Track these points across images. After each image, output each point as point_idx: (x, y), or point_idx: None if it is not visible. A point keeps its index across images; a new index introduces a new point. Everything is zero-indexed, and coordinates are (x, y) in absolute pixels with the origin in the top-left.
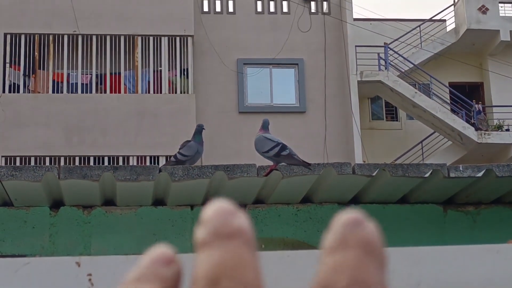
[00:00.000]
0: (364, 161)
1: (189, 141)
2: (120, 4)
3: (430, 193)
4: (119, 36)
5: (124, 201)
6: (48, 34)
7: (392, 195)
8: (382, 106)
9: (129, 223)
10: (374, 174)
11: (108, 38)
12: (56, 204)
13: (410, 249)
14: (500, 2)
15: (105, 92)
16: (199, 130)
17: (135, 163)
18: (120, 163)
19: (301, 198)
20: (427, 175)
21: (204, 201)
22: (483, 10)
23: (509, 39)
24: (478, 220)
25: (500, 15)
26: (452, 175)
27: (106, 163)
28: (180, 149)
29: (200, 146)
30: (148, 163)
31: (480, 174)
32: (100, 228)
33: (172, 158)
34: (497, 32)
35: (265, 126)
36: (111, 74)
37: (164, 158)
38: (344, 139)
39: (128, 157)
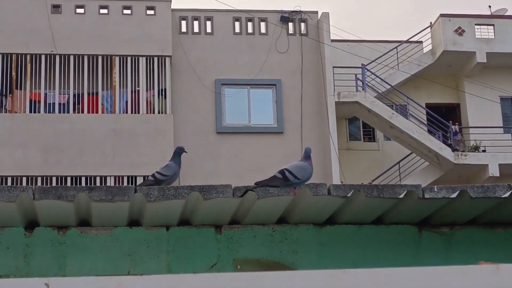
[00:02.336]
0: (341, 182)
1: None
2: (98, 24)
3: (405, 214)
4: (97, 56)
5: (99, 222)
6: (26, 54)
7: (367, 216)
8: (359, 127)
9: (104, 244)
10: (349, 195)
11: (85, 58)
12: (31, 225)
13: (385, 270)
14: (476, 24)
15: (82, 112)
16: (179, 152)
17: (112, 183)
18: (98, 183)
19: (276, 219)
20: (402, 196)
21: (180, 222)
22: (460, 32)
23: (485, 61)
24: (452, 241)
25: (476, 37)
26: (427, 196)
27: (83, 183)
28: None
29: (178, 168)
30: (125, 183)
31: (454, 195)
32: (75, 249)
33: (150, 177)
34: (473, 53)
35: (306, 155)
36: (88, 94)
37: (142, 178)
38: (322, 160)
39: (105, 177)
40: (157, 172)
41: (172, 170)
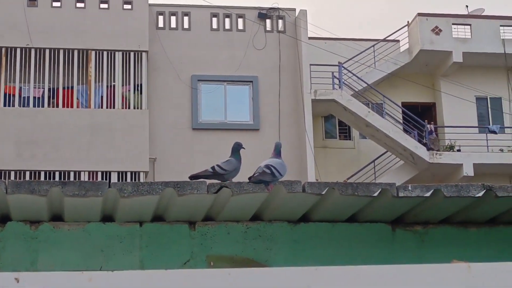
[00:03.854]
0: (317, 179)
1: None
2: (74, 18)
3: (379, 212)
4: (73, 50)
5: (72, 217)
6: (1, 47)
7: (341, 213)
8: (335, 125)
9: (77, 239)
10: (323, 192)
11: (61, 52)
12: (3, 219)
13: (358, 267)
14: (453, 24)
15: (57, 106)
16: (237, 148)
17: (86, 179)
18: (72, 178)
19: (250, 216)
20: (376, 194)
21: (154, 218)
22: (437, 31)
23: (461, 60)
24: (426, 240)
25: (453, 36)
26: (401, 194)
27: (57, 178)
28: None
29: (239, 164)
30: (100, 179)
31: (428, 194)
32: (47, 244)
33: (210, 169)
34: (449, 53)
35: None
36: (63, 88)
37: (116, 173)
38: (298, 157)
39: (79, 172)
40: (217, 165)
41: (233, 165)
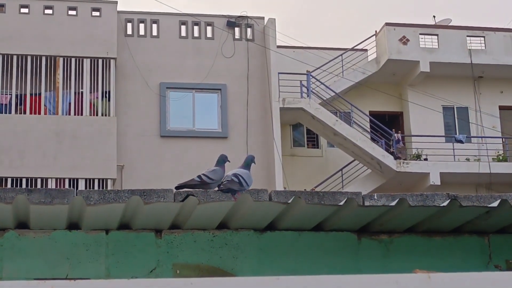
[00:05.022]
0: (285, 188)
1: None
2: (42, 24)
3: (345, 221)
4: (41, 56)
5: (38, 224)
6: None
7: (308, 222)
8: (303, 133)
9: (43, 247)
10: (290, 201)
11: (29, 58)
12: None
13: (320, 277)
14: (420, 34)
15: (24, 113)
16: (223, 159)
17: (53, 186)
18: (38, 185)
19: (217, 224)
20: (342, 203)
21: (120, 226)
22: (404, 41)
23: (428, 70)
24: (391, 249)
25: (421, 46)
26: (366, 203)
27: (24, 185)
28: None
29: (223, 174)
30: (67, 186)
31: (393, 203)
32: (12, 252)
33: (196, 178)
34: (417, 63)
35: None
36: (31, 94)
37: (84, 180)
38: (266, 165)
39: (46, 179)
40: (203, 174)
41: (218, 175)
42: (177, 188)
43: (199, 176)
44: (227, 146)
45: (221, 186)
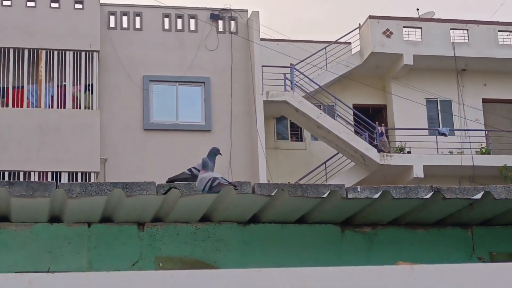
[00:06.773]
0: (268, 180)
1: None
2: (25, 17)
3: (329, 213)
4: (23, 49)
5: (19, 218)
6: None
7: (291, 215)
8: (287, 126)
9: (24, 240)
10: (273, 194)
11: (11, 51)
12: None
13: (307, 269)
14: (404, 27)
15: (7, 106)
16: (214, 152)
17: (36, 179)
18: (21, 178)
19: (200, 217)
20: (325, 195)
21: (102, 219)
22: (388, 34)
23: (412, 63)
24: (374, 241)
25: (404, 39)
26: (350, 196)
27: (6, 178)
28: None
29: (213, 167)
30: (50, 179)
31: (377, 196)
32: None
33: (187, 171)
34: (400, 56)
35: (204, 166)
36: (13, 87)
37: (67, 174)
38: (249, 158)
39: (29, 172)
40: (193, 167)
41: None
42: (168, 181)
43: (189, 169)
44: (210, 139)
45: (213, 188)
